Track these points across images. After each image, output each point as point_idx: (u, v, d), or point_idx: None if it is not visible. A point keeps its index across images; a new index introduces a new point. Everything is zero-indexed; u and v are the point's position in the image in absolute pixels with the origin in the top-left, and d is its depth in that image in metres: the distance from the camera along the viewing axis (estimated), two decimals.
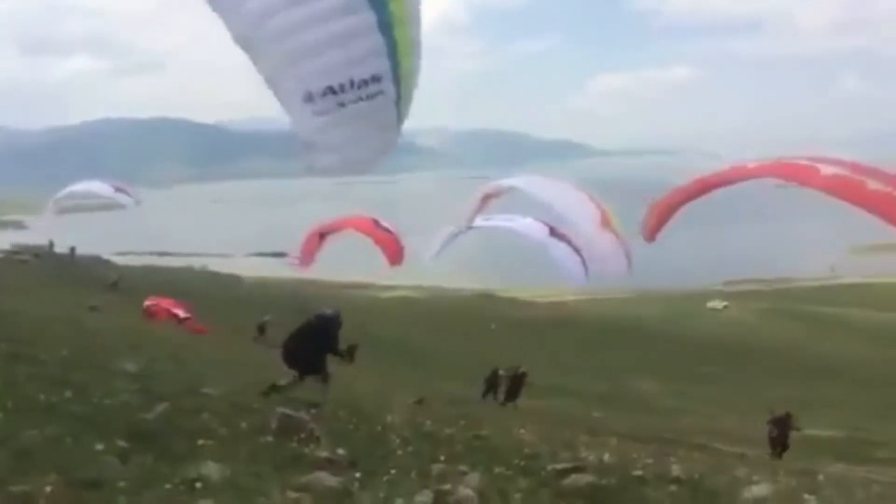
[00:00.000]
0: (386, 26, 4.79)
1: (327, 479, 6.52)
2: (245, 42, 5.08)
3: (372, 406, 12.21)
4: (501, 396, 26.12)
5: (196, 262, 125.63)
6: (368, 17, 4.73)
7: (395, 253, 18.61)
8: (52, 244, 60.21)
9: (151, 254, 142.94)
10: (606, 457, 10.56)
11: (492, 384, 27.37)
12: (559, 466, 8.96)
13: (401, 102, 5.24)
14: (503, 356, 50.56)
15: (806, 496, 10.07)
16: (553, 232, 15.44)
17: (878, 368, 54.43)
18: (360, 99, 5.00)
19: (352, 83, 4.94)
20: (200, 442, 7.12)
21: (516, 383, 26.43)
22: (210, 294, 60.49)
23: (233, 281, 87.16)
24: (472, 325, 63.57)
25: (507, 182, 14.34)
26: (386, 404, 12.86)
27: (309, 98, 5.04)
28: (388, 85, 5.00)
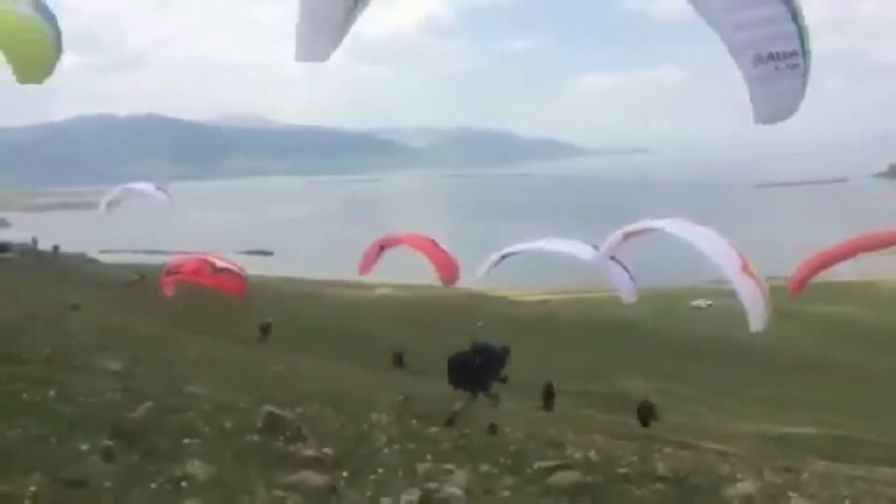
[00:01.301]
0: (794, 15, 6.77)
1: (314, 477, 6.50)
2: None
3: (358, 405, 12.21)
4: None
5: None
6: (784, 8, 6.72)
7: (450, 272, 19.78)
8: (35, 241, 59.58)
9: (136, 251, 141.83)
10: (592, 454, 10.60)
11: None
12: (545, 464, 8.99)
13: (805, 76, 7.00)
14: None
15: (790, 493, 10.14)
16: (596, 247, 15.84)
17: (862, 367, 54.98)
18: (787, 67, 6.79)
19: (783, 54, 6.77)
20: (186, 441, 7.09)
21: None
22: (195, 292, 60.11)
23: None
24: (459, 324, 63.36)
25: (654, 223, 15.28)
26: (372, 403, 12.84)
27: (758, 59, 6.82)
28: (800, 60, 6.85)
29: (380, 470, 7.22)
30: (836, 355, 57.57)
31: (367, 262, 21.69)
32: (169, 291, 18.37)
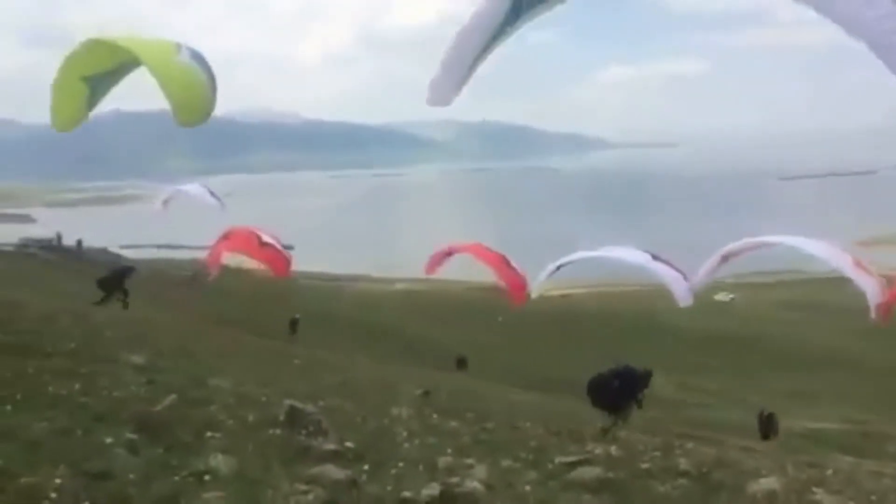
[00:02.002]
0: None
1: (335, 471, 6.53)
2: None
3: (378, 399, 12.24)
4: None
5: (204, 255, 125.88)
6: None
7: (520, 292, 21.69)
8: (59, 237, 60.43)
9: (159, 246, 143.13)
10: (614, 450, 10.53)
11: (768, 425, 26.64)
12: (567, 459, 8.95)
13: None
14: (510, 349, 50.68)
15: (814, 489, 10.02)
16: (655, 257, 17.62)
17: (885, 360, 54.27)
18: None
19: None
20: (208, 434, 7.14)
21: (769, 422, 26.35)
22: (217, 286, 60.63)
23: (240, 273, 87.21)
24: (477, 318, 63.52)
25: (772, 239, 17.67)
26: (392, 397, 12.88)
27: None
28: None
29: (400, 464, 7.23)
30: (862, 349, 56.85)
31: (433, 264, 24.21)
32: (217, 262, 18.98)
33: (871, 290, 14.20)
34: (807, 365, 52.73)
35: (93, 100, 11.38)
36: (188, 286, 44.23)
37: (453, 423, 10.66)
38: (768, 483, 9.32)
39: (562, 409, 21.62)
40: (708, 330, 64.08)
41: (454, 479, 6.93)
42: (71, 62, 10.96)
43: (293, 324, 37.73)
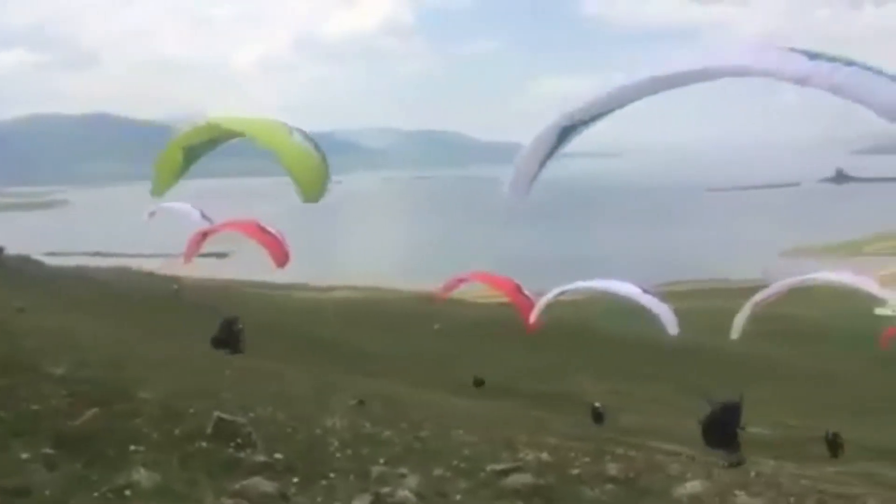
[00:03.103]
0: None
1: (263, 484, 6.43)
2: None
3: (311, 409, 12.11)
4: None
5: (133, 263, 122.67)
6: None
7: (526, 312, 23.81)
8: None
9: (86, 254, 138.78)
10: (545, 456, 10.68)
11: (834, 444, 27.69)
12: (498, 467, 9.02)
13: None
14: (446, 357, 50.80)
15: (737, 492, 10.35)
16: (645, 291, 19.60)
17: (808, 366, 56.36)
18: None
19: None
20: (132, 448, 6.95)
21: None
22: (147, 294, 59.14)
23: (171, 282, 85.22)
24: (415, 326, 63.54)
25: (818, 275, 21.28)
26: (325, 407, 12.76)
27: None
28: None
29: (331, 475, 7.17)
30: (792, 356, 58.88)
31: (448, 289, 28.66)
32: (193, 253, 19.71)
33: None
34: (734, 371, 54.29)
35: (185, 168, 12.68)
36: (174, 300, 43.68)
37: (387, 433, 10.64)
38: (693, 487, 9.59)
39: (496, 416, 21.77)
40: (642, 337, 65.43)
41: (386, 489, 6.91)
42: (178, 139, 12.47)
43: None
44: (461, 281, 25.65)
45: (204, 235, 21.56)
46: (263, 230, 19.16)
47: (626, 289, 19.39)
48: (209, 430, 8.02)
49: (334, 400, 14.57)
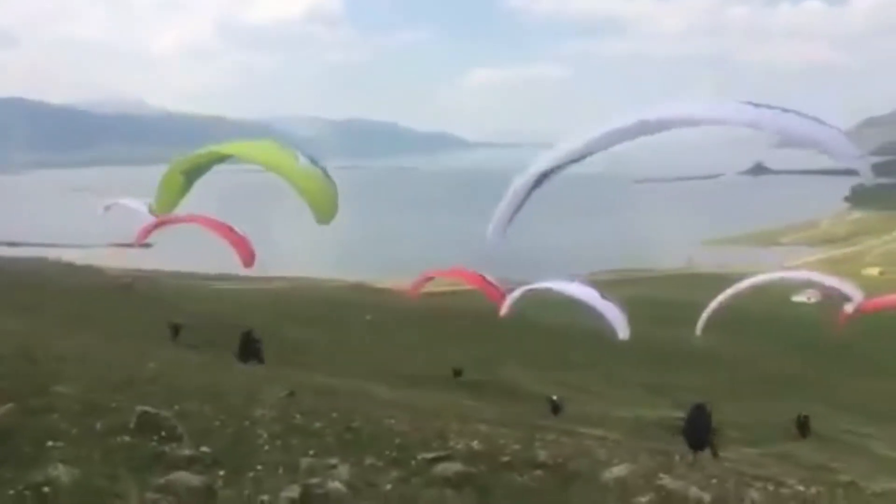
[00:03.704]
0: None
1: (189, 478, 6.29)
2: None
3: (239, 401, 11.89)
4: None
5: (51, 253, 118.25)
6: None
7: (502, 300, 24.83)
8: None
9: (9, 244, 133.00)
10: (475, 444, 10.76)
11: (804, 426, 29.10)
12: (429, 455, 9.04)
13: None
14: (378, 347, 50.65)
15: (661, 475, 10.64)
16: (603, 296, 20.89)
17: (728, 352, 58.37)
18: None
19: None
20: (50, 444, 6.70)
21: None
22: (66, 286, 56.99)
23: (92, 272, 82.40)
24: (346, 317, 63.15)
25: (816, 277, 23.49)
26: (254, 399, 12.54)
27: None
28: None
29: (259, 467, 7.05)
30: (714, 342, 60.77)
31: (417, 287, 30.00)
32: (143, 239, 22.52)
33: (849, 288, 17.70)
34: (659, 357, 55.88)
35: (187, 188, 13.36)
36: (125, 292, 42.69)
37: (317, 424, 10.52)
38: (619, 471, 9.82)
39: (427, 406, 21.81)
40: (570, 326, 66.66)
41: (315, 480, 6.84)
42: (178, 163, 13.14)
43: (175, 329, 36.10)
44: (430, 278, 27.79)
45: (164, 223, 22.22)
46: (233, 231, 20.03)
47: (585, 292, 20.92)
48: (132, 425, 7.80)
49: (264, 392, 14.33)
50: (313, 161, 12.29)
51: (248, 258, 19.93)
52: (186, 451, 7.13)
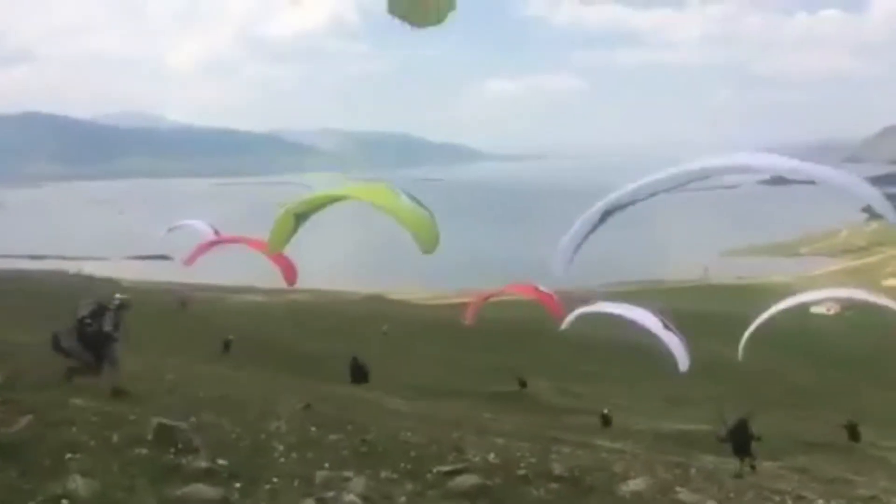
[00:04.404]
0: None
1: (206, 490, 6.33)
2: None
3: (256, 413, 11.93)
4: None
5: (71, 266, 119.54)
6: None
7: (556, 305, 26.72)
8: None
9: (20, 256, 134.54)
10: (492, 457, 10.72)
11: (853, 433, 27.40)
12: (445, 468, 9.04)
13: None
14: (394, 359, 50.63)
15: (678, 489, 10.56)
16: (666, 326, 21.47)
17: (748, 364, 57.69)
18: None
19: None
20: (68, 456, 6.77)
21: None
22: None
23: (110, 285, 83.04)
24: (362, 329, 63.16)
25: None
26: (271, 411, 12.58)
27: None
28: None
29: (275, 479, 7.08)
30: (723, 353, 60.27)
31: (472, 312, 30.50)
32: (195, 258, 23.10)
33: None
34: (676, 369, 55.34)
35: (296, 229, 14.79)
36: (180, 311, 44.16)
37: (333, 436, 10.54)
38: (636, 484, 9.76)
39: (445, 418, 21.76)
40: (588, 337, 66.29)
41: (330, 493, 6.87)
42: (291, 206, 14.65)
43: (226, 345, 37.68)
44: (487, 297, 29.79)
45: (213, 244, 23.52)
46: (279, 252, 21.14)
47: (649, 320, 21.50)
48: (149, 437, 7.86)
49: (280, 404, 14.38)
50: (412, 197, 13.58)
51: (291, 275, 21.07)
52: (203, 464, 7.17)
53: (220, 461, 7.34)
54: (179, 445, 7.68)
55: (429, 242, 13.11)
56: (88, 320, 12.39)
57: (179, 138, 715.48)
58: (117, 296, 13.27)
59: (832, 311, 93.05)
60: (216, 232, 26.94)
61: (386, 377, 39.54)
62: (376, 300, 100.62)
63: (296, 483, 7.11)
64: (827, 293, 30.18)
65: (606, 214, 12.02)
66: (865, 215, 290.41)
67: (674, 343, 20.89)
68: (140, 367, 19.63)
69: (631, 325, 22.45)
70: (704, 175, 11.57)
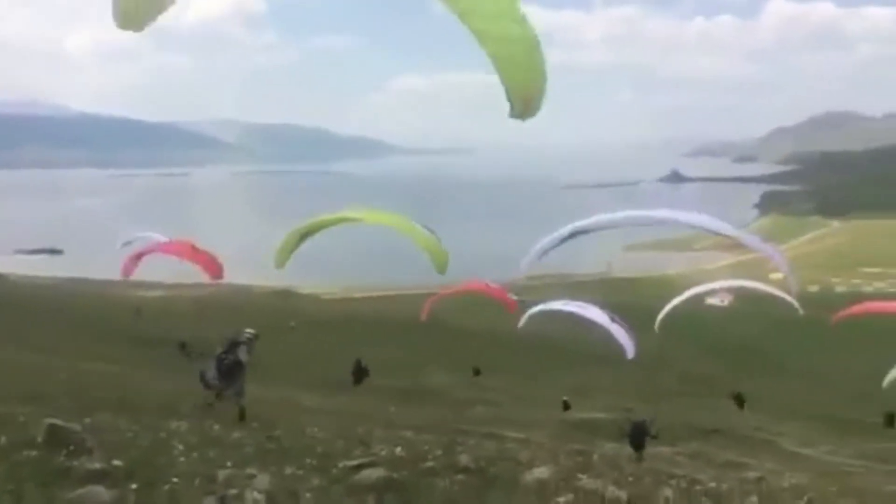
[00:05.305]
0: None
1: (100, 493, 6.10)
2: None
3: (156, 413, 11.57)
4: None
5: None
6: None
7: (506, 298, 28.02)
8: None
9: None
10: (398, 450, 10.76)
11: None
12: (351, 463, 9.00)
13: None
14: (302, 354, 50.01)
15: (580, 475, 10.88)
16: (613, 319, 22.96)
17: (647, 353, 59.86)
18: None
19: None
20: None
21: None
22: None
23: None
24: (270, 323, 62.09)
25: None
26: (172, 410, 12.23)
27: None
28: None
29: (175, 479, 6.89)
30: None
31: (427, 308, 29.26)
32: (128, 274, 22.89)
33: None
34: (581, 360, 57.02)
35: (299, 245, 15.76)
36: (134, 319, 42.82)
37: (237, 434, 10.35)
38: (540, 472, 9.98)
39: (352, 413, 21.68)
40: (493, 330, 67.30)
41: (233, 491, 6.73)
42: (301, 227, 15.63)
43: (182, 346, 35.78)
44: (443, 295, 30.40)
45: (139, 257, 23.35)
46: (196, 250, 20.81)
47: (597, 315, 23.01)
48: (40, 438, 7.51)
49: (182, 402, 14.00)
50: (426, 227, 15.09)
51: (217, 271, 20.98)
52: (97, 465, 6.90)
53: (116, 462, 7.08)
54: (72, 447, 7.37)
55: (441, 263, 14.50)
56: (224, 355, 14.25)
57: (76, 127, 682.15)
58: (248, 330, 15.09)
59: (725, 303, 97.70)
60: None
61: (293, 373, 39.04)
62: (284, 295, 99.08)
63: (197, 482, 6.94)
64: (720, 284, 33.59)
65: (575, 233, 14.70)
66: (756, 212, 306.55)
67: (621, 334, 22.54)
68: (30, 366, 18.74)
69: (580, 319, 23.77)
70: (663, 223, 15.79)
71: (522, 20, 7.16)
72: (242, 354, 14.17)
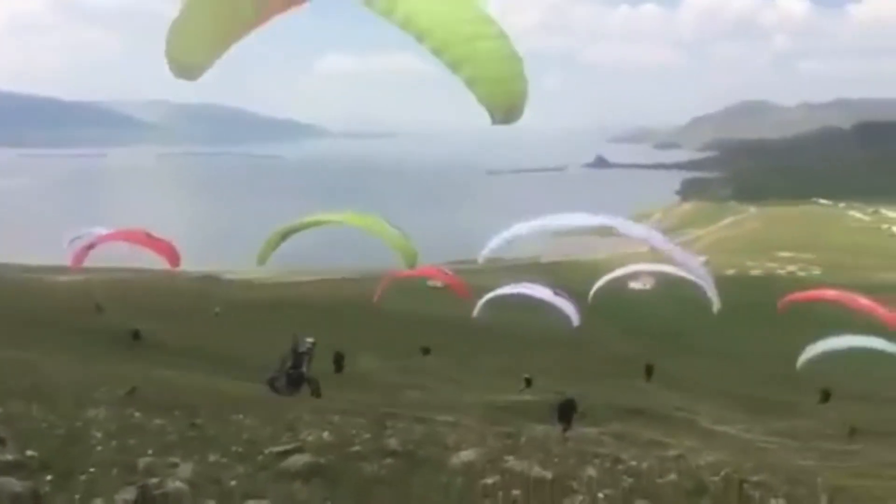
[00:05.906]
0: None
1: (13, 484, 5.86)
2: None
3: (72, 401, 11.18)
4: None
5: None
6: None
7: (461, 287, 29.48)
8: None
9: None
10: (326, 435, 10.70)
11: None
12: (277, 449, 8.91)
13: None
14: (227, 340, 49.09)
15: (507, 457, 11.03)
16: (556, 293, 25.70)
17: (573, 336, 61.10)
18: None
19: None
20: None
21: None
22: None
23: None
24: (194, 309, 60.76)
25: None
26: (88, 398, 11.84)
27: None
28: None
29: (92, 469, 6.67)
30: (553, 326, 63.44)
31: (379, 291, 31.32)
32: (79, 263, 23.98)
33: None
34: (512, 343, 57.77)
35: (279, 245, 16.61)
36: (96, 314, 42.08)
37: (158, 421, 10.09)
38: (467, 455, 10.09)
39: (279, 399, 21.41)
40: (425, 314, 67.53)
41: (154, 480, 6.56)
42: (281, 228, 16.49)
43: (135, 334, 35.97)
44: (396, 278, 32.14)
45: (90, 248, 23.20)
46: (151, 237, 20.70)
47: (540, 291, 25.58)
48: None
49: (100, 390, 13.56)
50: (393, 225, 16.20)
51: (174, 259, 21.15)
52: (9, 456, 6.63)
53: (30, 452, 6.82)
54: None
55: (410, 261, 15.57)
56: (291, 369, 17.25)
57: None
58: (308, 340, 17.96)
59: (648, 286, 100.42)
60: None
61: (219, 359, 38.35)
62: (210, 280, 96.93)
63: (115, 472, 6.74)
64: (641, 267, 35.83)
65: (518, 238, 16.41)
66: (678, 198, 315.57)
67: (565, 305, 24.73)
68: None
69: (526, 297, 26.32)
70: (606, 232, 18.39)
71: (499, 34, 6.82)
72: (305, 366, 17.60)
